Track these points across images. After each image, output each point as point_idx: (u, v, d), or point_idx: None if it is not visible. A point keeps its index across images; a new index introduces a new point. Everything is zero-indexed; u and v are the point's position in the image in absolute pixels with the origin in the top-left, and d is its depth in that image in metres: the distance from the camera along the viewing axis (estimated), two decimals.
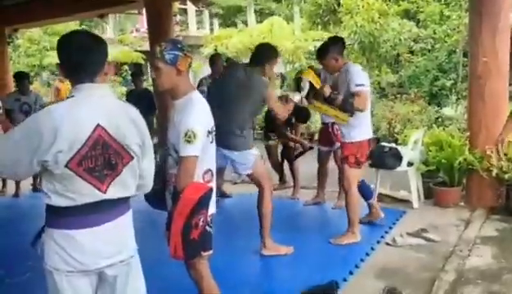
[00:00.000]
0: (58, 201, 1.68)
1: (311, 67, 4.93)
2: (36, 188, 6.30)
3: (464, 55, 7.29)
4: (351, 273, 3.41)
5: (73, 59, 1.73)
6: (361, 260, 3.62)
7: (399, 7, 10.68)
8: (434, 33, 9.22)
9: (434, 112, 8.28)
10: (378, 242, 3.97)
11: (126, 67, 16.09)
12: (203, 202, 2.23)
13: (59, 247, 1.71)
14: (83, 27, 21.57)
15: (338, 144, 4.34)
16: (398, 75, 10.03)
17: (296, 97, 4.20)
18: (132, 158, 1.78)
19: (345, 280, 3.29)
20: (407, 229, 4.11)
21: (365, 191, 4.25)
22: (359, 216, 4.04)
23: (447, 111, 8.22)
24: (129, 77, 16.03)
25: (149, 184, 1.95)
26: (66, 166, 1.63)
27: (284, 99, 4.76)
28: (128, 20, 25.52)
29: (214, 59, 5.78)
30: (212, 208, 2.38)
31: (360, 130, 3.83)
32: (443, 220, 4.40)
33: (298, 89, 4.92)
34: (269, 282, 3.50)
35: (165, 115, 6.99)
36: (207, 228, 2.32)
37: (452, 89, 8.46)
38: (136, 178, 1.84)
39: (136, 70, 7.20)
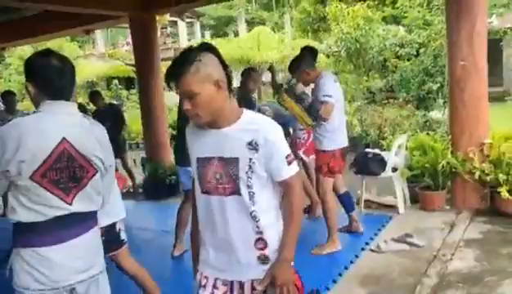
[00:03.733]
0: (26, 216, 1.69)
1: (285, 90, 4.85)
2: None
3: None
4: (334, 281, 3.41)
5: (50, 80, 1.76)
6: (345, 267, 3.63)
7: (383, 13, 10.78)
8: (419, 37, 9.30)
9: (422, 116, 8.31)
10: (362, 249, 3.98)
11: (116, 81, 16.12)
12: None
13: (29, 267, 1.71)
14: (74, 42, 21.70)
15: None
16: (386, 80, 10.09)
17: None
18: (97, 171, 1.82)
19: (328, 289, 3.29)
20: (393, 235, 4.12)
21: (347, 203, 4.26)
22: (337, 224, 4.04)
23: (435, 114, 8.25)
24: (120, 92, 16.13)
25: (107, 202, 1.96)
26: (30, 177, 1.66)
27: None
28: (119, 34, 25.65)
29: None
30: None
31: (332, 139, 3.85)
32: (429, 224, 4.41)
33: None
34: None
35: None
36: None
37: (439, 92, 8.52)
38: (99, 193, 1.87)
39: (93, 91, 7.24)
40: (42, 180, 1.68)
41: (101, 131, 1.88)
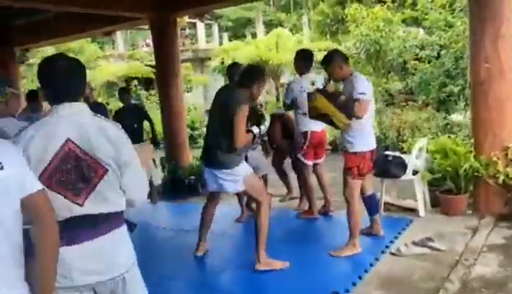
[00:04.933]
0: None
1: (318, 90, 4.83)
2: None
3: None
4: (354, 284, 3.39)
5: (56, 84, 1.79)
6: (365, 270, 3.60)
7: (403, 15, 10.66)
8: (440, 39, 9.17)
9: (442, 118, 8.20)
10: (382, 252, 3.94)
11: (135, 82, 16.29)
12: None
13: None
14: (95, 43, 22.01)
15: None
16: (406, 82, 9.98)
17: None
18: (107, 170, 1.78)
19: (347, 291, 3.27)
20: (413, 238, 4.07)
21: (371, 206, 4.22)
22: (360, 228, 4.02)
23: (456, 117, 8.13)
24: (139, 92, 16.30)
25: (135, 198, 1.90)
26: (39, 179, 1.66)
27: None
28: (138, 35, 25.92)
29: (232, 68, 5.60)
30: None
31: (363, 141, 3.82)
32: (450, 228, 4.34)
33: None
34: None
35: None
36: None
37: (460, 95, 8.37)
38: (118, 192, 1.83)
39: (123, 88, 7.32)
40: (49, 182, 1.71)
41: (112, 128, 1.83)
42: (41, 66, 1.83)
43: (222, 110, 3.59)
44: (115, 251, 1.85)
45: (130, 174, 1.84)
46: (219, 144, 3.55)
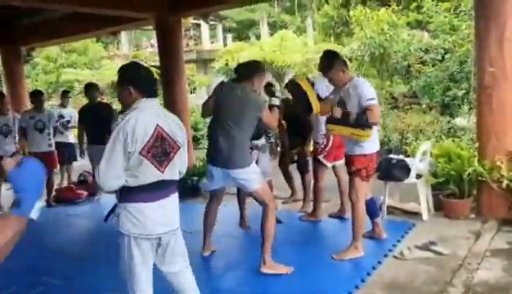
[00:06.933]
0: (131, 181, 2.29)
1: (307, 78, 4.87)
2: (50, 204, 6.42)
3: None
4: (357, 287, 3.38)
5: (147, 83, 2.42)
6: (368, 274, 3.59)
7: (408, 18, 10.65)
8: (444, 42, 9.16)
9: (446, 122, 8.19)
10: (385, 255, 3.93)
11: None
12: None
13: (132, 216, 2.32)
14: (99, 43, 22.09)
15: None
16: (410, 85, 9.97)
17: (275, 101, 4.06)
18: (179, 148, 2.44)
19: None
20: (416, 242, 4.06)
21: (372, 209, 4.21)
22: (364, 231, 4.01)
23: (460, 121, 8.12)
24: None
25: (182, 171, 2.56)
26: (140, 153, 2.26)
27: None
28: (143, 35, 25.99)
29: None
30: None
31: (372, 143, 3.81)
32: (453, 232, 4.33)
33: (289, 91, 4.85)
34: None
35: None
36: None
37: (464, 99, 8.37)
38: (180, 165, 2.49)
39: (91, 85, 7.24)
40: (147, 155, 2.28)
41: (176, 118, 2.52)
42: (134, 71, 2.47)
43: (237, 108, 3.56)
44: (174, 210, 2.46)
45: (183, 152, 2.51)
46: (233, 143, 3.54)
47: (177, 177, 2.48)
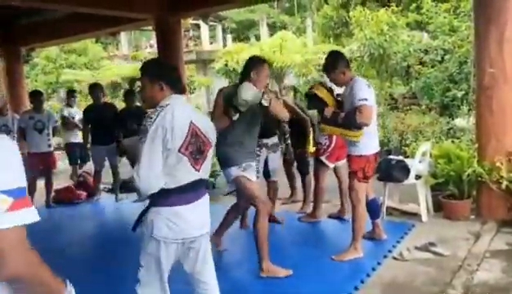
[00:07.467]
0: (169, 182, 2.15)
1: (320, 83, 4.84)
2: (49, 204, 6.41)
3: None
4: (356, 288, 3.37)
5: (177, 80, 2.35)
6: (368, 275, 3.59)
7: (407, 19, 10.66)
8: (444, 43, 9.16)
9: (446, 123, 8.19)
10: (385, 256, 3.93)
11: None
12: None
13: (168, 221, 2.17)
14: (99, 43, 22.09)
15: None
16: (409, 86, 9.97)
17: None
18: (211, 146, 2.36)
19: None
20: (416, 243, 4.06)
21: (373, 209, 4.21)
22: (363, 232, 4.01)
23: (459, 122, 8.12)
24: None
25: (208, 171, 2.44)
26: (179, 150, 2.16)
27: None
28: (142, 36, 25.98)
29: None
30: None
31: (368, 144, 3.80)
32: (453, 233, 4.33)
33: (310, 106, 4.81)
34: None
35: None
36: None
37: (464, 100, 8.37)
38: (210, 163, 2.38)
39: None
40: (185, 152, 2.19)
41: (205, 116, 2.50)
42: (163, 68, 2.39)
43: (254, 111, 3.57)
44: (207, 212, 2.35)
45: (211, 151, 2.40)
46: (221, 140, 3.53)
47: (207, 176, 2.39)
